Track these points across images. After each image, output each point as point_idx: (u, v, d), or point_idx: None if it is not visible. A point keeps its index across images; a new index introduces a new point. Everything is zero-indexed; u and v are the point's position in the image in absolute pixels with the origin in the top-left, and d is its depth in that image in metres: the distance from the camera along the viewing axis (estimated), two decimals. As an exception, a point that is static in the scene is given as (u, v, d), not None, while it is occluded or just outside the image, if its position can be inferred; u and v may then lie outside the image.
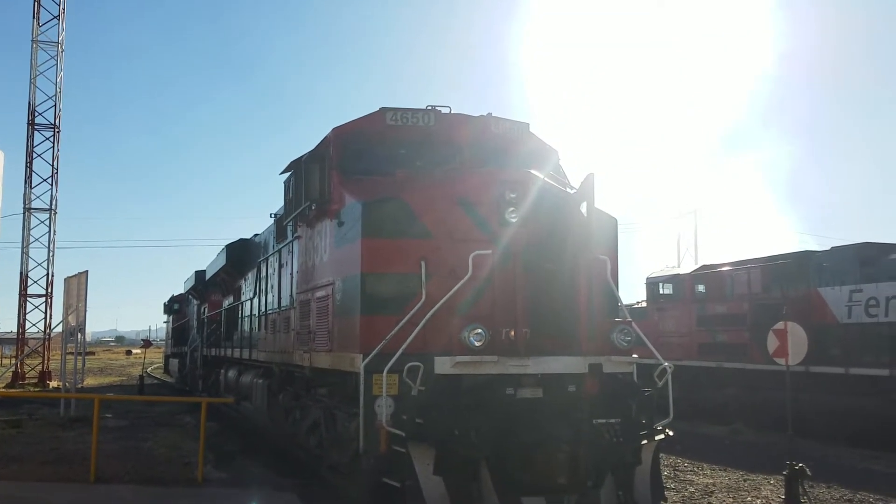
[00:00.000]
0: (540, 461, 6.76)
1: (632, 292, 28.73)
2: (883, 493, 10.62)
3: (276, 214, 12.48)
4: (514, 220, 7.34)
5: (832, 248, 16.81)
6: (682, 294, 20.43)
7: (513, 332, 7.11)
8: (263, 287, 13.35)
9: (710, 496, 10.39)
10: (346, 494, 8.46)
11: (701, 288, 20.02)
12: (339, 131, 8.72)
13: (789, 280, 17.25)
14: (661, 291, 21.39)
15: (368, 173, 8.38)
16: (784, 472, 8.62)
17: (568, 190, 8.21)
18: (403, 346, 6.82)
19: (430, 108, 8.73)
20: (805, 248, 17.49)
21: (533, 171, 7.70)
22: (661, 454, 8.64)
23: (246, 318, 15.22)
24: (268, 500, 9.12)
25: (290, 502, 8.97)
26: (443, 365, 6.93)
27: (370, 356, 6.90)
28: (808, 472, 8.41)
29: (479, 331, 6.91)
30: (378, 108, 8.74)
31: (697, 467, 12.53)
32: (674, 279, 21.14)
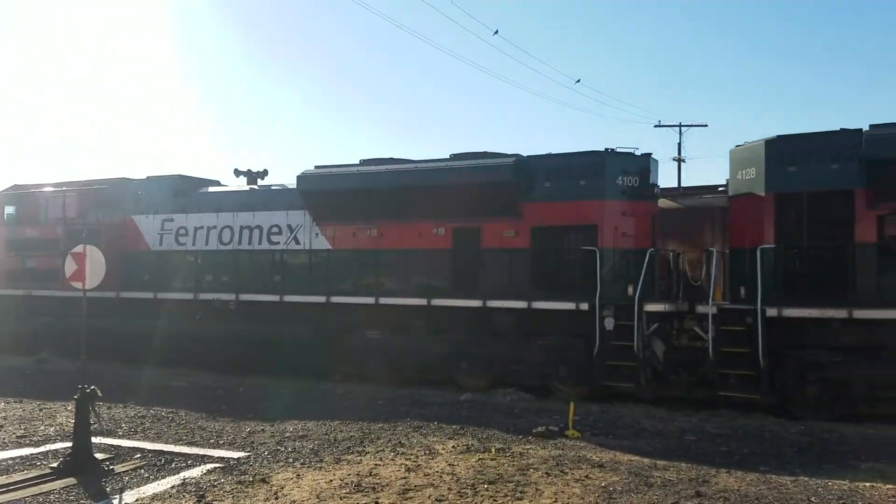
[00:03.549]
0: None
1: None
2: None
3: None
4: None
5: (147, 177, 17.48)
6: (-11, 215, 18.29)
7: None
8: None
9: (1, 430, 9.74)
10: None
11: (11, 210, 18.25)
12: None
13: (105, 206, 17.24)
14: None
15: None
16: (76, 396, 8.63)
17: None
18: None
19: None
20: (123, 176, 17.67)
21: None
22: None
23: None
24: None
25: None
26: None
27: None
28: (100, 394, 8.61)
29: None
30: None
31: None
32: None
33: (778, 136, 11.52)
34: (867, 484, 7.19)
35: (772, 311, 11.03)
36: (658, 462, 8.10)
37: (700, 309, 12.05)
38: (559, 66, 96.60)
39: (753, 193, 11.70)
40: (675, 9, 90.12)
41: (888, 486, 7.10)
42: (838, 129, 11.12)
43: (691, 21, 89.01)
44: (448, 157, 14.15)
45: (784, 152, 11.38)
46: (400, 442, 9.10)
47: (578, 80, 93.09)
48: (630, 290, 12.24)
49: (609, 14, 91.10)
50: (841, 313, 10.63)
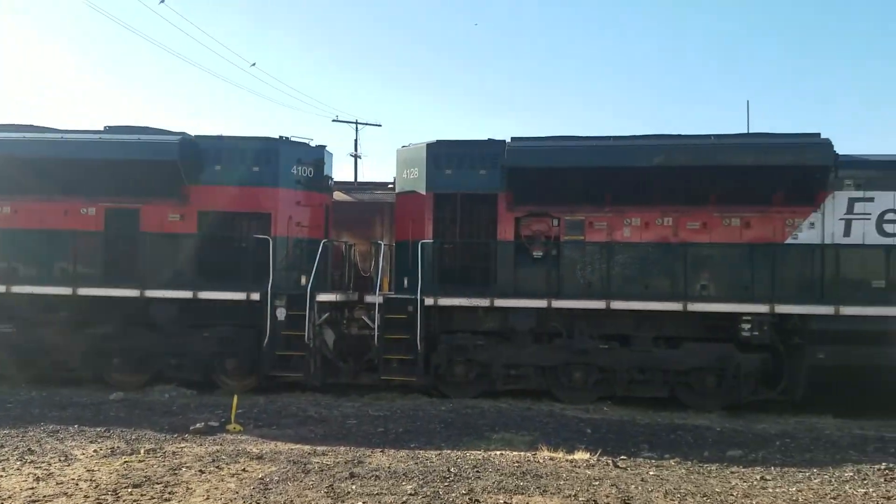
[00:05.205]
0: None
1: None
2: None
3: None
4: None
5: None
6: None
7: None
8: None
9: None
10: None
11: None
12: None
13: None
14: None
15: None
16: None
17: None
18: None
19: None
20: None
21: None
22: None
23: None
24: None
25: None
26: None
27: None
28: None
29: None
30: None
31: None
32: None
33: (438, 141, 12.55)
34: (498, 452, 8.15)
35: (429, 301, 11.97)
36: (318, 448, 8.24)
37: (368, 298, 12.59)
38: (237, 47, 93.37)
39: (416, 192, 12.58)
40: (361, 5, 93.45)
41: (514, 452, 8.14)
42: (487, 138, 12.52)
43: (380, 21, 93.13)
44: (102, 129, 12.76)
45: (442, 156, 12.44)
46: (30, 449, 7.95)
47: (254, 64, 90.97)
48: (303, 280, 12.31)
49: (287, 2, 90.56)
50: (484, 302, 11.94)
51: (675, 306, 11.54)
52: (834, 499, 6.51)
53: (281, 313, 12.06)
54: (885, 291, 10.68)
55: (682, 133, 12.09)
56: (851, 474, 7.40)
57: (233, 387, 12.08)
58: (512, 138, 12.39)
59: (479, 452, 8.10)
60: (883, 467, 7.64)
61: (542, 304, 11.85)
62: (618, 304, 11.67)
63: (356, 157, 36.56)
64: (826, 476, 7.32)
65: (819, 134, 11.59)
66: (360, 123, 37.35)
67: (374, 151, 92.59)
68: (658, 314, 11.73)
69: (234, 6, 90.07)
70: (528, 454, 8.03)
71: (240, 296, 12.14)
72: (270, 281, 12.04)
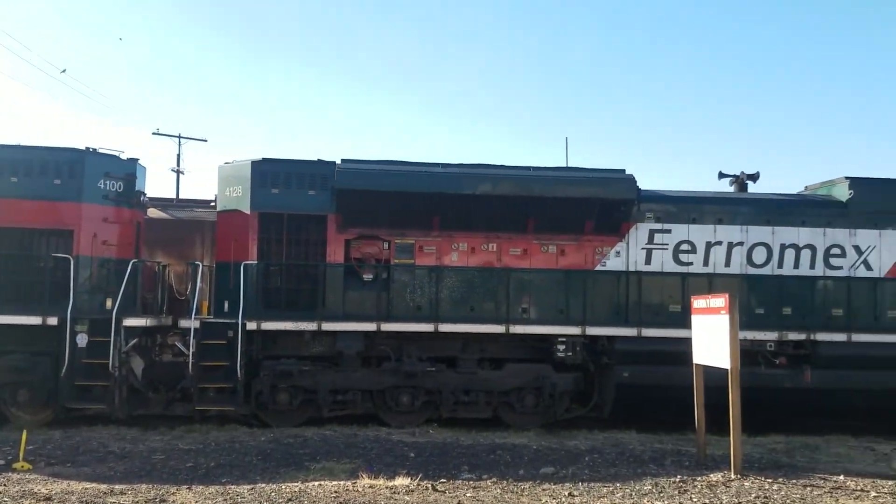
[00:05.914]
0: None
1: None
2: None
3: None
4: None
5: None
6: None
7: None
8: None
9: None
10: None
11: None
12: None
13: None
14: None
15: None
16: None
17: None
18: None
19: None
20: None
21: None
22: None
23: None
24: None
25: None
26: None
27: None
28: None
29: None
30: None
31: None
32: None
33: (263, 159, 12.16)
34: (316, 483, 7.90)
35: (251, 325, 11.48)
36: (116, 487, 7.53)
37: (183, 323, 11.84)
38: (47, 53, 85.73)
39: (240, 210, 12.08)
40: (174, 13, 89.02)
41: (333, 482, 7.92)
42: (317, 159, 12.32)
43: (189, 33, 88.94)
44: None
45: (268, 174, 12.07)
46: None
47: (64, 70, 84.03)
48: (109, 303, 11.36)
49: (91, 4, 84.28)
50: (311, 326, 11.66)
51: (498, 328, 11.94)
52: (633, 511, 6.94)
53: (82, 339, 11.03)
54: (681, 315, 11.69)
55: (506, 164, 12.64)
56: (650, 487, 7.93)
57: (26, 421, 10.84)
58: (342, 160, 12.30)
59: (296, 484, 7.80)
60: (678, 479, 8.27)
61: (371, 327, 11.79)
62: (446, 327, 11.88)
63: (178, 172, 34.69)
64: (627, 490, 7.80)
65: (625, 170, 12.60)
66: (184, 138, 35.55)
67: (200, 168, 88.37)
68: (483, 336, 12.09)
69: (42, 4, 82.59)
70: (349, 483, 7.85)
71: (35, 320, 10.99)
72: (71, 304, 10.99)
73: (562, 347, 11.98)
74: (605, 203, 12.24)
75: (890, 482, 8.27)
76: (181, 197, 19.27)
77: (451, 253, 12.37)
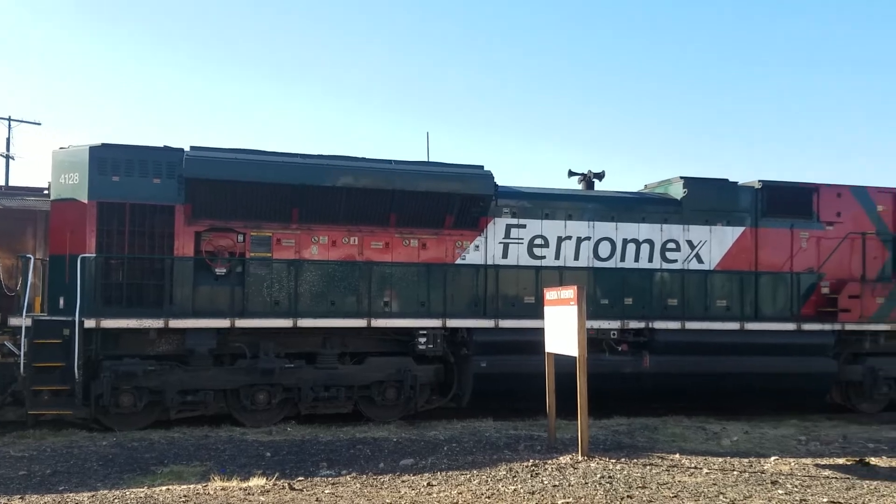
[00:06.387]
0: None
1: None
2: None
3: None
4: None
5: None
6: None
7: None
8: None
9: None
10: None
11: None
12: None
13: None
14: None
15: None
16: None
17: None
18: None
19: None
20: None
21: None
22: None
23: None
24: None
25: None
26: None
27: None
28: None
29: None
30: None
31: None
32: None
33: (103, 144, 11.30)
34: (164, 488, 7.47)
35: (90, 322, 10.66)
36: (-71, 506, 6.74)
37: (13, 321, 10.78)
38: None
39: (77, 199, 11.16)
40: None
41: (182, 486, 7.53)
42: (163, 146, 11.62)
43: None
44: None
45: (108, 161, 11.23)
46: None
47: None
48: (-83, 301, 10.14)
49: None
50: (157, 323, 10.99)
51: (360, 323, 11.85)
52: (489, 497, 7.12)
53: None
54: (535, 306, 12.15)
55: (368, 157, 12.54)
56: (505, 473, 8.19)
57: None
58: (192, 147, 11.66)
59: (141, 490, 7.33)
60: (530, 463, 8.60)
61: (224, 323, 11.29)
62: (305, 322, 11.61)
63: (8, 157, 31.61)
64: (484, 476, 8.01)
65: (483, 166, 12.91)
66: (15, 120, 32.44)
67: (34, 153, 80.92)
68: (345, 331, 11.96)
69: None
70: (199, 486, 7.49)
71: None
72: None
73: (423, 340, 12.08)
74: (465, 198, 12.47)
75: (719, 459, 9.07)
76: (11, 185, 17.55)
77: (311, 246, 12.10)
